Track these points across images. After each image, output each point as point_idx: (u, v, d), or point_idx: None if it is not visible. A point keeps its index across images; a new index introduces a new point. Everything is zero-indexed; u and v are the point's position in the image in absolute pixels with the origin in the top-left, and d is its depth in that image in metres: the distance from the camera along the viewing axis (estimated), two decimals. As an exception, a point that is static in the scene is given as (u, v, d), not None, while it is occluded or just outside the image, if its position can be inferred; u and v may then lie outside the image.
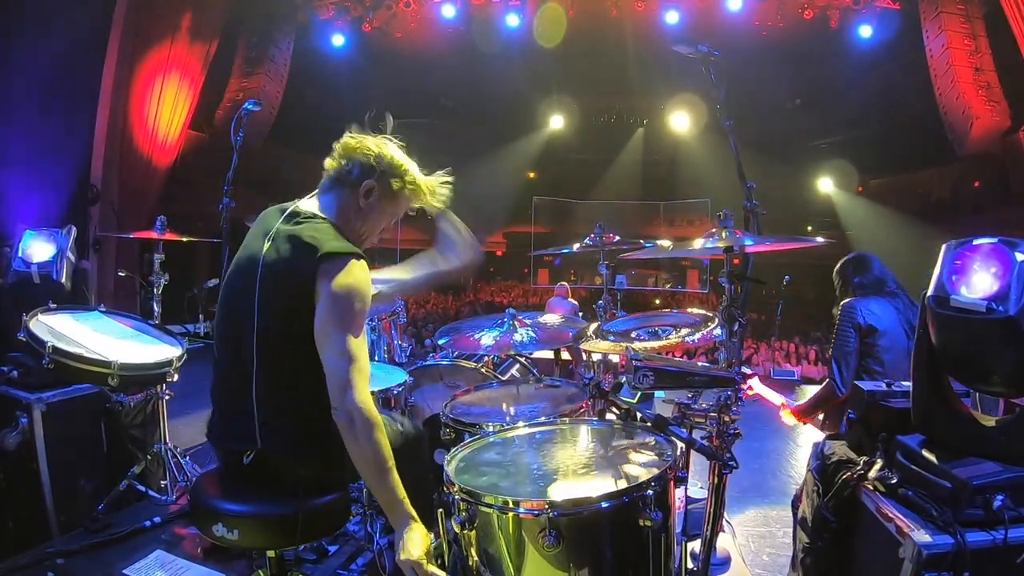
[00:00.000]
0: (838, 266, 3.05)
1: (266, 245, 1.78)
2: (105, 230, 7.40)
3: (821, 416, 2.92)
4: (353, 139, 1.88)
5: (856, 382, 2.07)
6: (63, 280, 3.25)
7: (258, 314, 1.73)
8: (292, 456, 1.77)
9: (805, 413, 2.86)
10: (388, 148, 1.89)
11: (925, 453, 1.64)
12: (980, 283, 1.55)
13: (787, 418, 2.86)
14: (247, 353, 1.74)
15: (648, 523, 1.52)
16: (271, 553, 1.88)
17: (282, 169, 11.56)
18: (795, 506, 2.23)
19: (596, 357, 2.86)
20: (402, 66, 12.80)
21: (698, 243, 2.04)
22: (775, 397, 2.91)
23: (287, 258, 1.73)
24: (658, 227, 16.88)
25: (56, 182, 6.66)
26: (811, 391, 3.05)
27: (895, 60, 11.21)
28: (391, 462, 1.65)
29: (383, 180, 1.86)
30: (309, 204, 1.88)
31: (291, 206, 1.88)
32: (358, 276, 1.70)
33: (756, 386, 2.86)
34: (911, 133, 12.34)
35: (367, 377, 1.66)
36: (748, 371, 2.88)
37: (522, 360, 3.57)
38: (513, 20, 10.68)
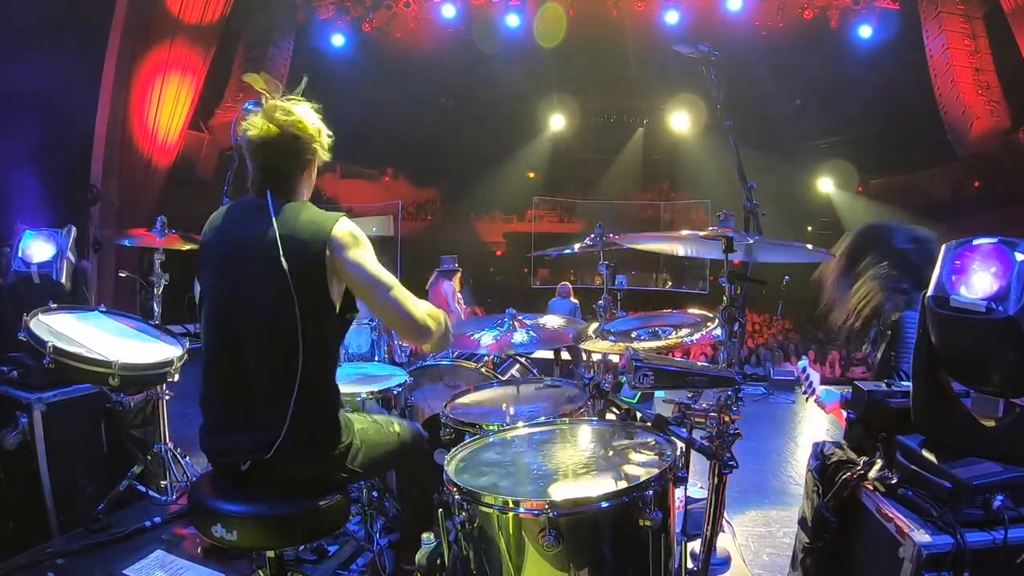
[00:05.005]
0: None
1: (281, 246, 1.70)
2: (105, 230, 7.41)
3: None
4: (285, 115, 1.82)
5: (855, 382, 2.07)
6: (63, 280, 3.23)
7: (269, 313, 1.71)
8: (297, 458, 1.76)
9: None
10: (312, 116, 1.89)
11: (925, 453, 1.63)
12: (980, 283, 1.55)
13: None
14: (250, 356, 1.72)
15: (648, 523, 1.52)
16: (271, 553, 1.88)
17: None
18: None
19: (596, 357, 2.85)
20: (402, 66, 12.80)
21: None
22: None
23: (299, 248, 1.71)
24: (657, 228, 16.87)
25: (56, 182, 6.65)
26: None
27: (895, 60, 11.21)
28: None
29: (316, 148, 1.90)
30: (279, 195, 1.83)
31: (261, 203, 1.80)
32: (355, 229, 1.83)
33: (819, 389, 2.31)
34: (911, 133, 12.34)
35: (407, 293, 1.86)
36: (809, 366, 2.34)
37: (522, 360, 3.56)
38: (513, 20, 10.69)
